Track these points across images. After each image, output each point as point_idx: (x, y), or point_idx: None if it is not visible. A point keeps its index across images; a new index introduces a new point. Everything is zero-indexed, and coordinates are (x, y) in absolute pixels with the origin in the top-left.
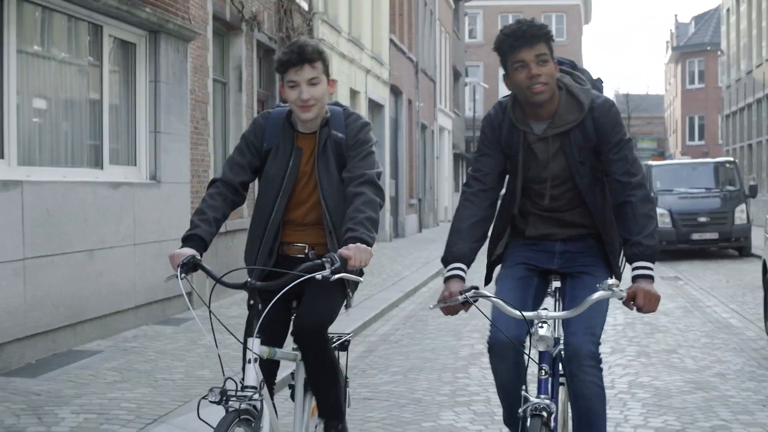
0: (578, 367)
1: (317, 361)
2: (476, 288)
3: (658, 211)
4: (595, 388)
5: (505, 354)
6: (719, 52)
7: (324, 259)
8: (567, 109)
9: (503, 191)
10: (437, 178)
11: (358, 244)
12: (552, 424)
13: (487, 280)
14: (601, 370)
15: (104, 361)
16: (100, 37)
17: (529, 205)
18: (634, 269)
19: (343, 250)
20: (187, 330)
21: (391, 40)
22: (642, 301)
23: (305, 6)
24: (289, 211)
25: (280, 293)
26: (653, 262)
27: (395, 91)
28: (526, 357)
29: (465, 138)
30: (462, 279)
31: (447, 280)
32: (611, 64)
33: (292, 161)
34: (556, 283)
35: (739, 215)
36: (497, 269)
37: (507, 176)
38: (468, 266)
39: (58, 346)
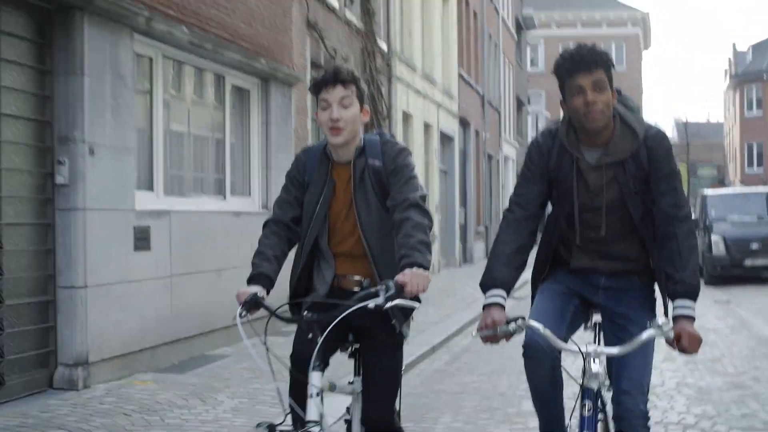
0: (630, 427)
1: None
2: (523, 318)
3: (713, 238)
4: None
5: (541, 359)
6: None
7: (378, 287)
8: (622, 139)
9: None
10: (502, 207)
11: (414, 269)
12: None
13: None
14: (649, 428)
15: (235, 363)
16: (223, 85)
17: (575, 236)
18: (675, 308)
19: (399, 276)
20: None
21: (460, 75)
22: (686, 343)
23: (384, 48)
24: (339, 245)
25: (333, 323)
26: (695, 301)
27: (464, 123)
28: (564, 369)
29: None
30: (502, 307)
31: (487, 307)
32: (670, 92)
33: (325, 189)
34: (597, 318)
35: None
36: None
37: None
38: (508, 293)
39: (194, 350)
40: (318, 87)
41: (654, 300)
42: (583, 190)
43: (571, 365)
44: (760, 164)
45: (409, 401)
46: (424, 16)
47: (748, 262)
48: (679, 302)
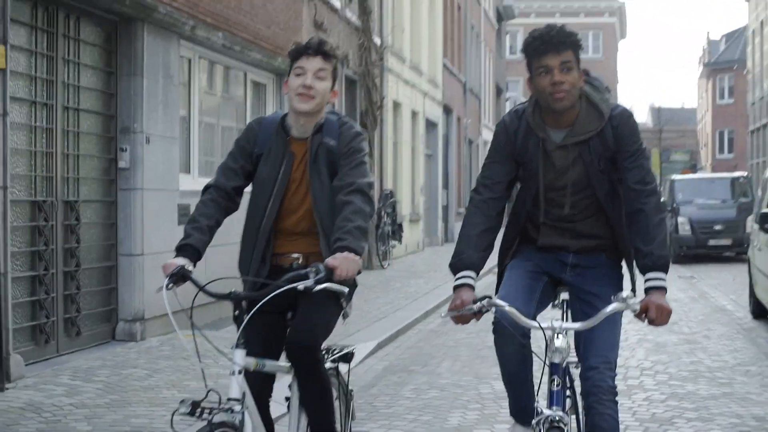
0: (597, 401)
1: (309, 379)
2: (489, 297)
3: (679, 219)
4: (612, 421)
5: (510, 336)
6: (745, 71)
7: (309, 269)
8: (587, 118)
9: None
10: None
11: (346, 253)
12: None
13: (498, 290)
14: (617, 403)
15: None
16: (245, 81)
17: (542, 215)
18: (646, 280)
19: (330, 260)
20: None
21: (444, 65)
22: (654, 315)
23: (378, 42)
24: (282, 220)
25: (261, 303)
26: (666, 272)
27: (447, 110)
28: (537, 352)
29: None
30: (472, 288)
31: (457, 288)
32: (646, 79)
33: (284, 165)
34: (564, 295)
35: (750, 224)
36: None
37: (516, 185)
38: (477, 274)
39: (224, 312)
40: (298, 53)
41: (621, 276)
42: (549, 170)
43: (540, 343)
44: (730, 150)
45: (412, 352)
46: (413, 11)
47: (712, 242)
48: (650, 275)
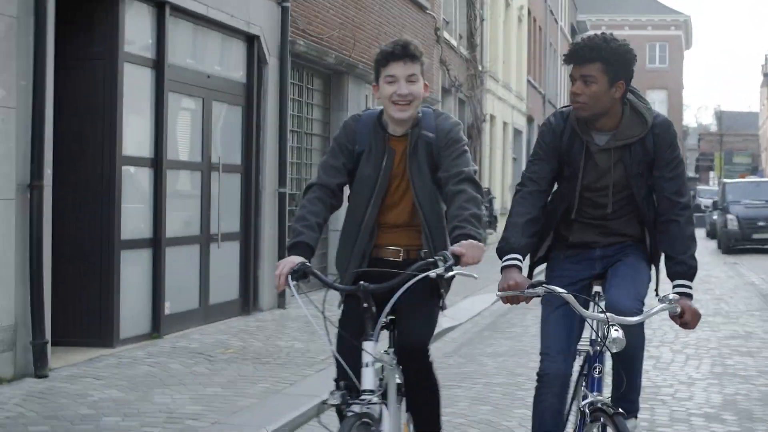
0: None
1: (419, 381)
2: (546, 283)
3: (728, 216)
4: (639, 339)
5: (554, 384)
6: None
7: (437, 257)
8: (631, 124)
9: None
10: None
11: (470, 240)
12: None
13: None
14: (642, 324)
15: None
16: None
17: (576, 213)
18: (675, 286)
19: (456, 247)
20: None
21: (528, 80)
22: (689, 318)
23: (480, 67)
24: (382, 214)
25: (398, 294)
26: (692, 281)
27: (530, 119)
28: (571, 391)
29: None
30: (520, 269)
31: (505, 269)
32: (712, 85)
33: (385, 162)
34: (597, 288)
35: None
36: (538, 269)
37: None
38: (524, 258)
39: None
40: (386, 60)
41: (646, 254)
42: (591, 171)
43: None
44: None
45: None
46: (506, 38)
47: (756, 236)
48: (679, 281)
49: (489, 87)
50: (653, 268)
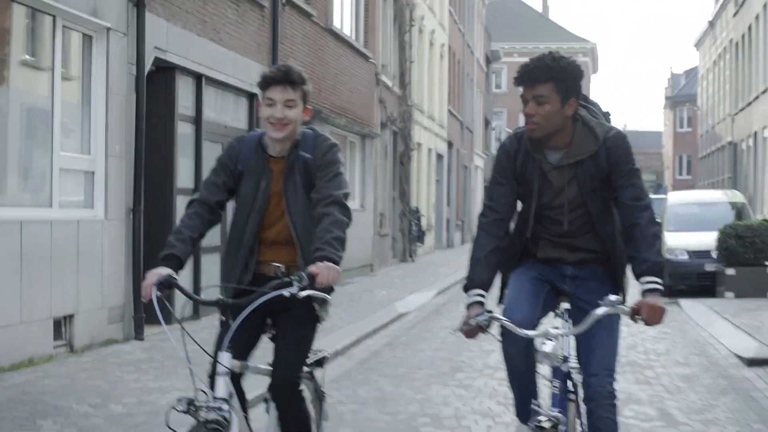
0: (598, 406)
1: (290, 414)
2: (490, 312)
3: None
4: (612, 423)
5: (516, 340)
6: (695, 107)
7: (292, 277)
8: (583, 141)
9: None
10: (474, 205)
11: (326, 262)
12: None
13: (501, 300)
14: (616, 406)
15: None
16: (347, 141)
17: (541, 231)
18: (642, 284)
19: (312, 268)
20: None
21: (449, 110)
22: (646, 315)
23: (409, 103)
24: (264, 231)
25: (248, 310)
26: (660, 277)
27: (450, 145)
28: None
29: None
30: (482, 304)
31: (469, 306)
32: (618, 106)
33: (264, 182)
34: (566, 305)
35: None
36: None
37: (518, 202)
38: (487, 291)
39: None
40: (267, 83)
41: (618, 288)
42: (547, 189)
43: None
44: (688, 173)
45: (448, 296)
46: (430, 74)
47: None
48: (645, 278)
49: (416, 119)
50: (620, 282)
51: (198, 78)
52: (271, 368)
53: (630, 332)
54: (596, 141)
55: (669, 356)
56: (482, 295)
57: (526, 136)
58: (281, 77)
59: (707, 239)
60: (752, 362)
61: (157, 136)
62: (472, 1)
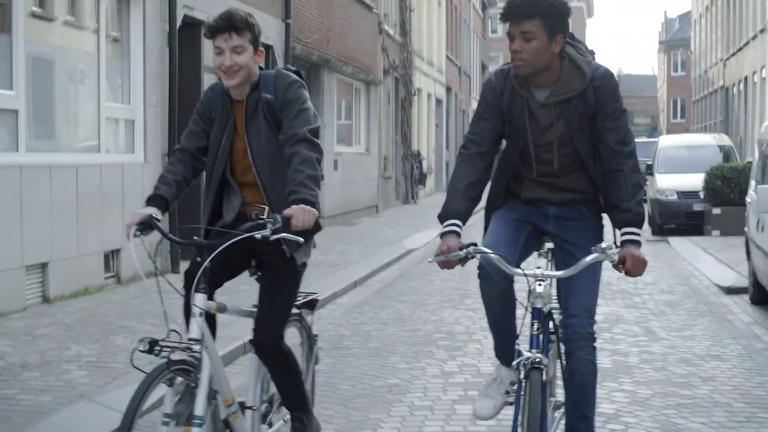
0: (577, 347)
1: (277, 369)
2: (475, 244)
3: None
4: (590, 365)
5: (494, 281)
6: (689, 52)
7: (266, 219)
8: (570, 78)
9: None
10: None
11: (302, 205)
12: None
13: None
14: (595, 348)
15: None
16: (353, 88)
17: (526, 170)
18: (622, 234)
19: (287, 210)
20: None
21: (447, 56)
22: (630, 266)
23: (410, 49)
24: (243, 175)
25: (218, 251)
26: (641, 228)
27: (448, 90)
28: (519, 293)
29: None
30: (458, 234)
31: (444, 235)
32: (614, 50)
33: (227, 126)
34: (549, 245)
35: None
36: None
37: (503, 140)
38: (464, 223)
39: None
40: (212, 32)
41: (602, 228)
42: (533, 127)
43: (525, 288)
44: (683, 116)
45: None
46: (428, 21)
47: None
48: (626, 229)
49: (416, 65)
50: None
51: None
52: (253, 310)
53: None
54: (584, 79)
55: (656, 286)
56: (458, 225)
57: (513, 73)
58: (224, 25)
59: (695, 180)
60: (730, 290)
61: (187, 86)
62: None
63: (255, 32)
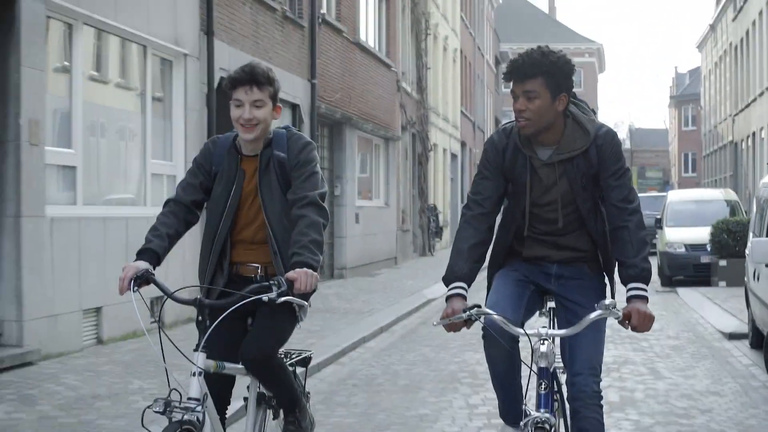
0: (583, 406)
1: (272, 384)
2: (479, 306)
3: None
4: (597, 424)
5: (498, 342)
6: (699, 107)
7: (271, 282)
8: (573, 137)
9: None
10: None
11: (305, 269)
12: None
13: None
14: (601, 406)
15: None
16: (372, 143)
17: (528, 229)
18: (628, 290)
19: (290, 273)
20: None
21: (462, 111)
22: (636, 321)
23: (426, 106)
24: (240, 232)
25: (226, 313)
26: (647, 284)
27: (463, 144)
28: (524, 351)
29: None
30: (464, 297)
31: (449, 298)
32: (625, 104)
33: (236, 182)
34: (551, 304)
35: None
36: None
37: (505, 200)
38: (469, 285)
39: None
40: (233, 85)
41: (604, 287)
42: (536, 186)
43: (529, 348)
44: (694, 170)
45: None
46: (444, 78)
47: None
48: (633, 285)
49: (432, 121)
50: (608, 280)
51: None
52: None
53: None
54: (587, 137)
55: (662, 332)
56: (463, 288)
57: (516, 131)
58: (246, 78)
59: (703, 234)
60: (732, 336)
61: None
62: (482, 5)
63: (275, 87)
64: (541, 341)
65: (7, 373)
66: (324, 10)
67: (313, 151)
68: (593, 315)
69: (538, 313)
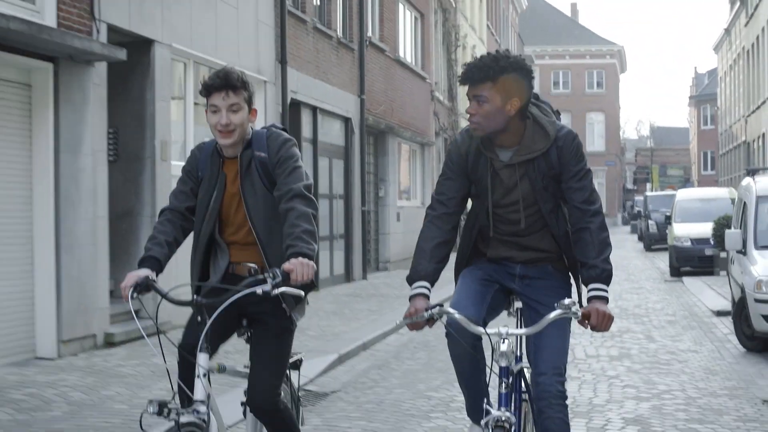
0: (547, 406)
1: (275, 427)
2: (441, 305)
3: (650, 221)
4: (562, 424)
5: (461, 341)
6: (716, 107)
7: (266, 274)
8: (533, 139)
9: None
10: None
11: (300, 258)
12: None
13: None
14: (566, 406)
15: None
16: (411, 149)
17: (492, 229)
18: (589, 290)
19: (285, 264)
20: None
21: None
22: (595, 321)
23: (457, 113)
24: (232, 234)
25: (222, 307)
26: (608, 285)
27: None
28: (486, 344)
29: None
30: (426, 297)
31: (412, 297)
32: (646, 103)
33: (218, 185)
34: (518, 304)
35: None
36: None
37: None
38: (432, 285)
39: None
40: (208, 91)
41: (569, 286)
42: (498, 187)
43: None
44: (713, 168)
45: None
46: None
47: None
48: (593, 285)
49: (462, 126)
50: (573, 280)
51: (314, 110)
52: (248, 371)
53: (639, 299)
54: (547, 139)
55: (662, 311)
56: (426, 287)
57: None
58: (222, 83)
59: (707, 229)
60: (719, 313)
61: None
62: (507, 12)
63: (250, 91)
64: (502, 340)
65: None
66: (370, 33)
67: (294, 147)
68: (552, 315)
69: (506, 313)
